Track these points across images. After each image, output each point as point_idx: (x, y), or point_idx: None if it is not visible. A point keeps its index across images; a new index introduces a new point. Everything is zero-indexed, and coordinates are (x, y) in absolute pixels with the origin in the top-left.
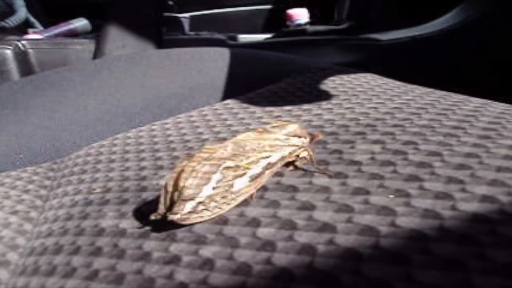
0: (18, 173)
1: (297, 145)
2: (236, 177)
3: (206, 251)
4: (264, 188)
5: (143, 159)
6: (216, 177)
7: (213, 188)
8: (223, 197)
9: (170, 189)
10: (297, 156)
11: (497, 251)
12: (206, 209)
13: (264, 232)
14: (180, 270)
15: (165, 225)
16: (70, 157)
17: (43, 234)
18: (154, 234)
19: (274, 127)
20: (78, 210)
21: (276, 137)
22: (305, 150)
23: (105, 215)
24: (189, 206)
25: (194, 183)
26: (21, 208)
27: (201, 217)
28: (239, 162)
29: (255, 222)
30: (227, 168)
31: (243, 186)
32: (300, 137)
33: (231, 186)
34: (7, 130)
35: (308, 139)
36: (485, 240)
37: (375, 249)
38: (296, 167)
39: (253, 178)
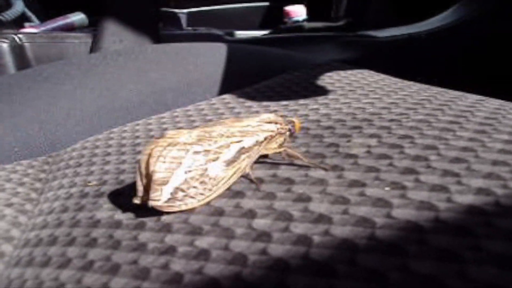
0: (13, 166)
1: (272, 130)
2: (208, 161)
3: (202, 242)
4: (260, 180)
5: (139, 152)
6: (186, 161)
7: (186, 172)
8: (201, 183)
9: (143, 171)
10: (281, 144)
11: (492, 242)
12: (188, 196)
13: (260, 223)
14: (176, 260)
15: (161, 216)
16: (65, 151)
17: (38, 226)
18: (150, 225)
19: (247, 116)
20: (73, 202)
21: (248, 124)
22: (283, 136)
23: (100, 207)
24: (166, 191)
25: (163, 167)
26: (16, 201)
27: (186, 204)
28: (208, 146)
29: (251, 214)
30: (197, 152)
31: (220, 171)
32: (276, 123)
33: (206, 170)
34: (3, 123)
35: (285, 126)
36: (480, 231)
37: (371, 240)
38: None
39: (229, 163)
